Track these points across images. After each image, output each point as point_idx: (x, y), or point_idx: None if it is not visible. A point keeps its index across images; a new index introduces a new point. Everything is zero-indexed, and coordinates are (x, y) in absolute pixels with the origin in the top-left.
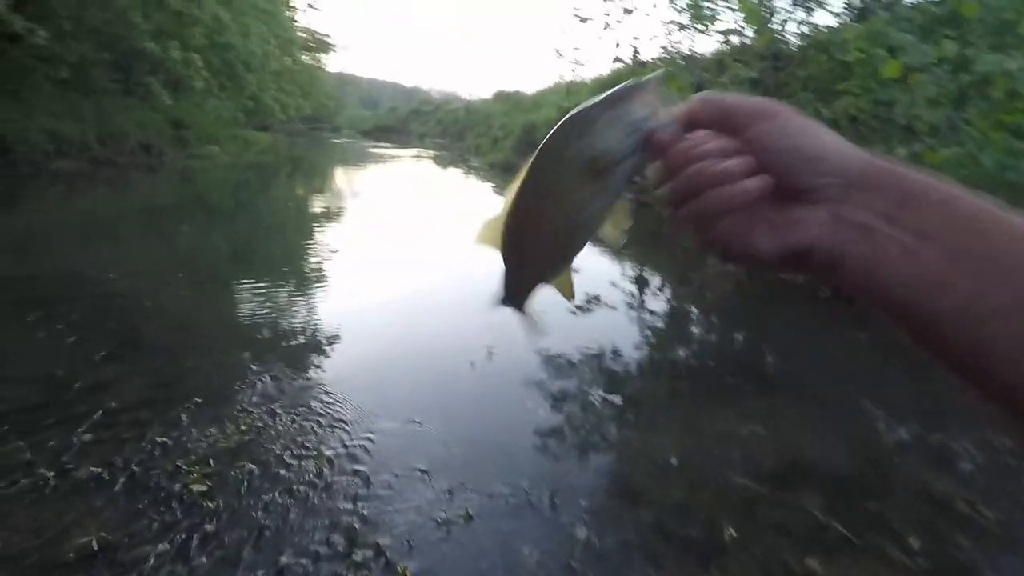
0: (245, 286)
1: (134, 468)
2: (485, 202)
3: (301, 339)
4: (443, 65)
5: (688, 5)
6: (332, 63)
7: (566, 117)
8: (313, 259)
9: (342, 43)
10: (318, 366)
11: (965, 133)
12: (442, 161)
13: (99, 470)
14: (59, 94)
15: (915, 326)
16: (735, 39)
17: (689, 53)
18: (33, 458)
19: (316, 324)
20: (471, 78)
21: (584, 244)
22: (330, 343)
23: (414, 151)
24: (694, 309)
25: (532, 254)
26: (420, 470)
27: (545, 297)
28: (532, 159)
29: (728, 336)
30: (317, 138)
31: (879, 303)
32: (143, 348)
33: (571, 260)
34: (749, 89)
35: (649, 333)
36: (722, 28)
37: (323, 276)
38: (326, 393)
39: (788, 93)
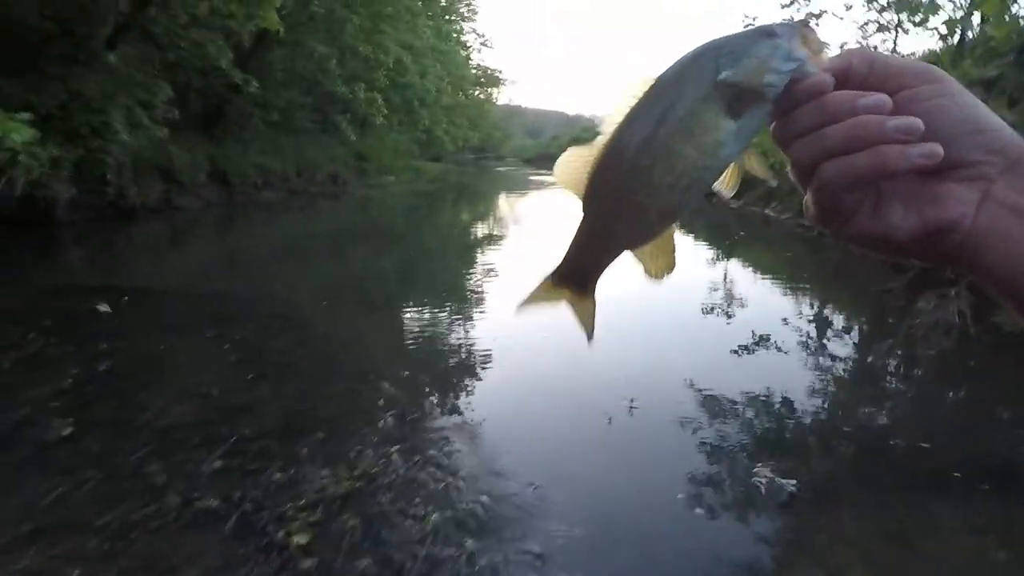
0: (401, 312)
1: (247, 506)
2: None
3: (437, 372)
4: (605, 90)
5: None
6: (500, 96)
7: (715, 42)
8: (468, 286)
9: (512, 77)
10: (447, 405)
11: None
12: None
13: (218, 504)
14: (269, 134)
15: None
16: (959, 34)
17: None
18: (166, 482)
19: (455, 357)
20: None
21: (702, 195)
22: (465, 381)
23: None
24: (897, 365)
25: (633, 201)
26: (533, 554)
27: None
28: (658, 80)
29: (947, 407)
30: (483, 166)
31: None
32: (291, 371)
33: (681, 215)
34: (983, 92)
35: (834, 390)
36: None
37: (471, 307)
38: (448, 439)
39: None
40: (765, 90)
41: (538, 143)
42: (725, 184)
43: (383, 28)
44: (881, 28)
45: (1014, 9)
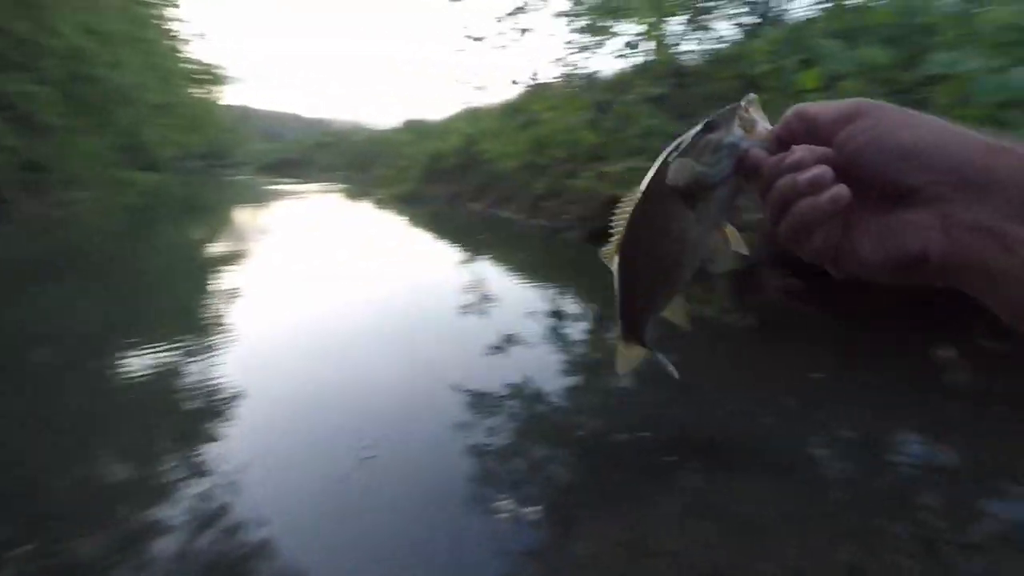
0: (115, 360)
1: None
2: (390, 238)
3: (169, 424)
4: (347, 95)
5: (586, 26)
6: (230, 96)
7: (669, 147)
8: (205, 316)
9: (239, 74)
10: (181, 462)
11: None
12: (347, 195)
13: None
14: None
15: None
16: (638, 58)
17: (589, 72)
18: None
19: (190, 402)
20: (376, 107)
21: (692, 269)
22: (205, 425)
23: (317, 186)
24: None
25: (642, 281)
26: None
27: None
28: (641, 187)
29: (673, 392)
30: (214, 175)
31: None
32: None
33: (680, 286)
34: (655, 107)
35: (583, 384)
36: (619, 44)
37: (210, 339)
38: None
39: (694, 112)
40: (703, 180)
41: (277, 147)
42: (717, 258)
43: (45, 2)
44: (583, 48)
45: (668, 40)
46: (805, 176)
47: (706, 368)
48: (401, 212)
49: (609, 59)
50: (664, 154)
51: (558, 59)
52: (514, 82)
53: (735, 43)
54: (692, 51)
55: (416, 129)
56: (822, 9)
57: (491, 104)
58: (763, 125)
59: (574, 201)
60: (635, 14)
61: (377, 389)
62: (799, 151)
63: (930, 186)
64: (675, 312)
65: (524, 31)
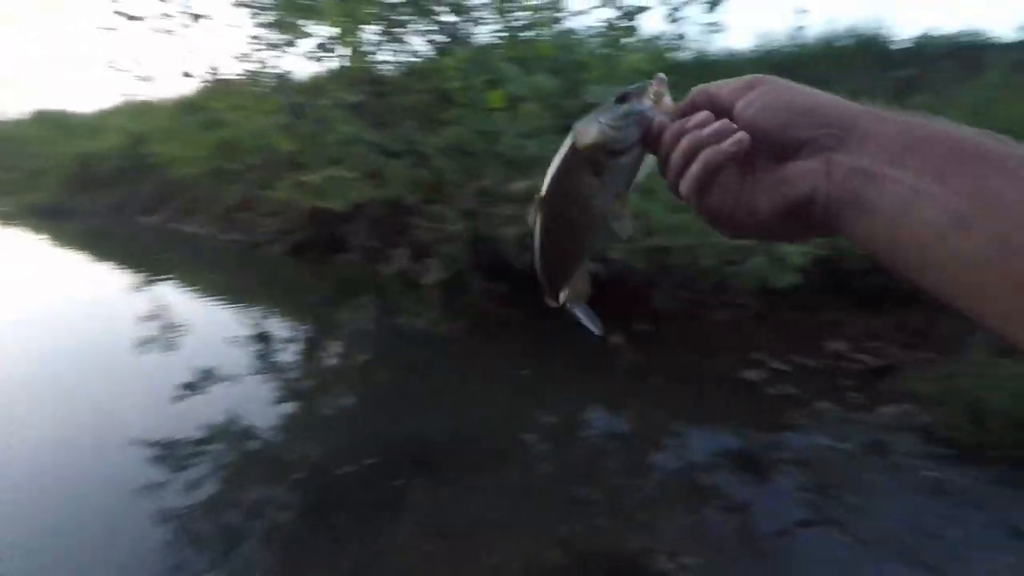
0: None
1: None
2: (35, 265)
3: None
4: None
5: (274, 22)
6: None
7: (583, 116)
8: None
9: None
10: None
11: None
12: None
13: None
14: None
15: (929, 273)
16: (333, 62)
17: (280, 72)
18: None
19: None
20: None
21: (596, 236)
22: None
23: None
24: (339, 369)
25: (555, 246)
26: None
27: None
28: (558, 155)
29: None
30: None
31: (888, 252)
32: None
33: (585, 254)
34: (351, 114)
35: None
36: (312, 45)
37: None
38: None
39: (391, 121)
40: (610, 146)
41: None
42: (617, 226)
43: None
44: (272, 46)
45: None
46: (709, 129)
47: (421, 381)
48: (42, 229)
49: (302, 60)
50: (575, 123)
51: (243, 54)
52: (187, 75)
53: (428, 59)
54: (388, 61)
55: (53, 122)
56: (501, 36)
57: (161, 99)
58: (669, 100)
59: (273, 212)
60: (326, 17)
61: (29, 462)
62: (701, 113)
63: (818, 138)
64: (579, 280)
65: (197, 17)
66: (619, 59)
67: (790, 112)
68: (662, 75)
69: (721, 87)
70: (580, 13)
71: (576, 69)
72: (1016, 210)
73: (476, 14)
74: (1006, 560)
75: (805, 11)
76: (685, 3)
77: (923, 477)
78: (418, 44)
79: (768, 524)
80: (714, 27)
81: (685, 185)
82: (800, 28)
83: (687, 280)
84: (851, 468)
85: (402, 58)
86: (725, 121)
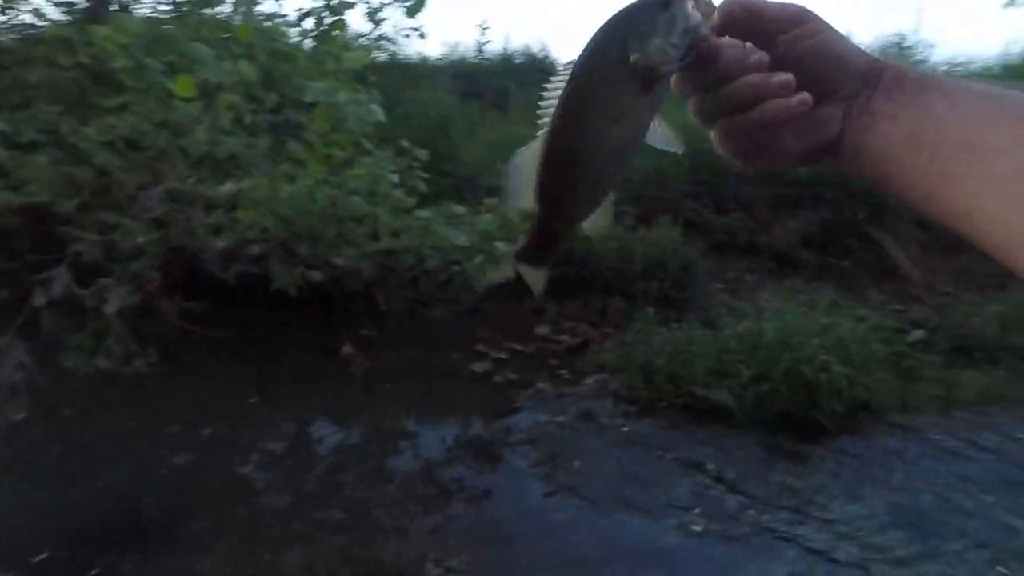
0: None
1: None
2: None
3: None
4: None
5: None
6: None
7: (617, 20)
8: None
9: None
10: None
11: (273, 164)
12: None
13: None
14: None
15: (949, 203)
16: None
17: None
18: None
19: None
20: None
21: (628, 162)
22: None
23: None
24: None
25: (580, 179)
26: None
27: None
28: (577, 67)
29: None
30: None
31: (907, 187)
32: None
33: (617, 182)
34: None
35: None
36: None
37: None
38: None
39: (20, 102)
40: (670, 64)
41: None
42: (663, 141)
43: None
44: None
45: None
46: (778, 79)
47: (108, 436)
48: None
49: None
50: (613, 28)
51: None
52: None
53: (62, 25)
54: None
55: None
56: (175, 10)
57: None
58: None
59: None
60: None
61: None
62: (760, 54)
63: (848, 86)
64: (604, 214)
65: None
66: (328, 55)
67: (834, 60)
68: None
69: (765, 8)
70: None
71: (277, 59)
72: (949, 127)
73: None
74: (685, 485)
75: (487, 27)
76: (387, 4)
77: (620, 433)
78: (41, 3)
79: (513, 505)
80: (417, 31)
81: (734, 125)
82: (485, 43)
83: (411, 281)
84: (571, 437)
85: (20, 20)
86: (789, 76)
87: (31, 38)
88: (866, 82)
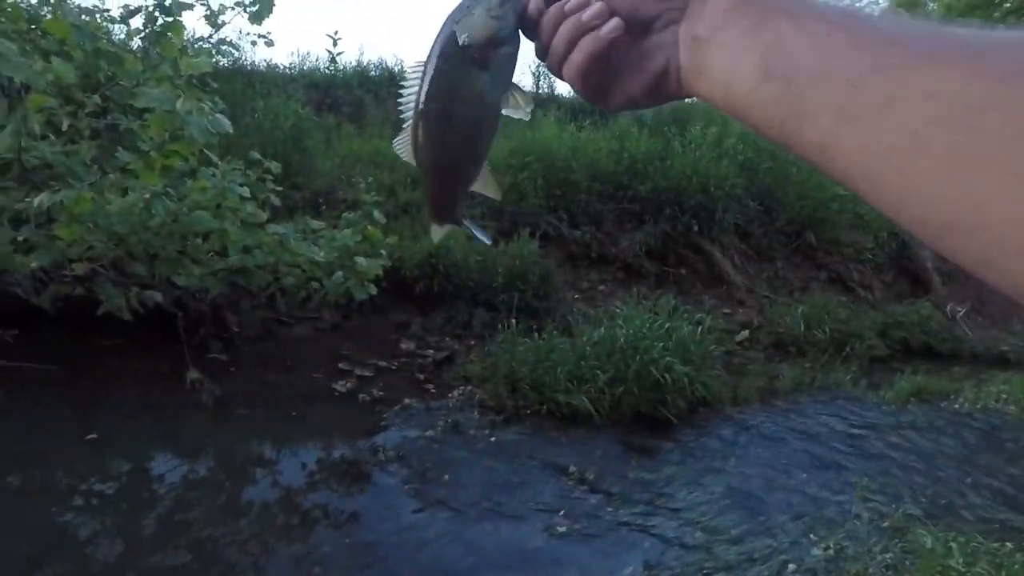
0: None
1: None
2: None
3: None
4: None
5: None
6: None
7: (449, 14)
8: None
9: None
10: None
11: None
12: None
13: None
14: None
15: (753, 117)
16: None
17: None
18: None
19: None
20: None
21: (494, 132)
22: None
23: None
24: None
25: (450, 157)
26: None
27: None
28: (426, 63)
29: None
30: None
31: (728, 107)
32: None
33: (486, 153)
34: None
35: None
36: None
37: None
38: None
39: None
40: (497, 36)
41: None
42: (515, 112)
43: None
44: None
45: None
46: (588, 12)
47: None
48: None
49: None
50: (444, 22)
51: None
52: None
53: None
54: None
55: None
56: None
57: None
58: None
59: None
60: None
61: None
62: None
63: (665, 13)
64: (486, 184)
65: None
66: (162, 58)
67: None
68: None
69: None
70: None
71: (98, 58)
72: (798, 54)
73: None
74: (551, 488)
75: (339, 38)
76: (229, 8)
77: (488, 442)
78: None
79: (384, 525)
80: (264, 38)
81: (570, 70)
82: (338, 53)
83: (268, 300)
84: (439, 451)
85: None
86: (601, 5)
87: None
88: (687, 4)
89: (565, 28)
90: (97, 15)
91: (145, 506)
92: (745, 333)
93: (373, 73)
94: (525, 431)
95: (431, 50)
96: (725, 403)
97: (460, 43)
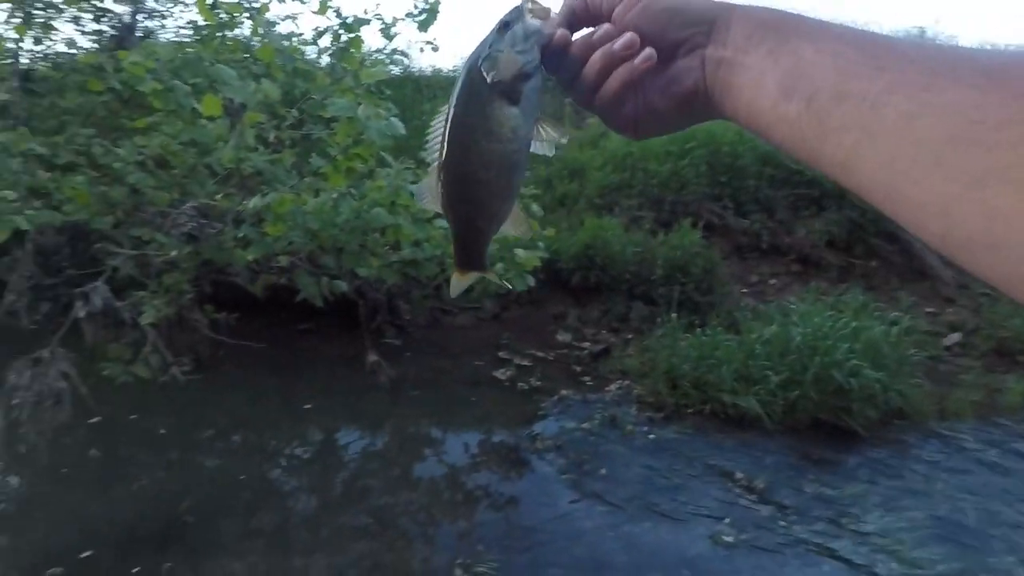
0: None
1: None
2: None
3: None
4: None
5: None
6: None
7: (473, 53)
8: None
9: None
10: None
11: (303, 180)
12: None
13: None
14: None
15: (775, 135)
16: None
17: None
18: None
19: None
20: None
21: (523, 171)
22: None
23: None
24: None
25: (482, 198)
26: None
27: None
28: (452, 102)
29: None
30: None
31: (754, 126)
32: None
33: (519, 190)
34: None
35: None
36: None
37: None
38: None
39: (57, 126)
40: (524, 69)
41: None
42: (546, 145)
43: None
44: None
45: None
46: (619, 43)
47: (147, 442)
48: None
49: None
50: (468, 60)
51: None
52: None
53: (93, 53)
54: (34, 51)
55: None
56: (197, 34)
57: None
58: (553, 14)
59: None
60: None
61: None
62: (603, 27)
63: (691, 37)
64: (516, 222)
65: None
66: (346, 71)
67: (665, 15)
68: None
69: None
70: (291, 17)
71: (296, 77)
72: (818, 75)
73: (152, 6)
74: (714, 493)
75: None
76: (400, 20)
77: (646, 440)
78: (74, 34)
79: (541, 512)
80: (430, 44)
81: (602, 100)
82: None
83: (434, 290)
84: (596, 444)
85: (53, 49)
86: (632, 35)
87: (64, 66)
88: (712, 29)
89: (596, 59)
90: (294, 39)
91: (333, 471)
92: (956, 336)
93: None
94: (686, 430)
95: (456, 91)
96: (928, 417)
97: (488, 81)
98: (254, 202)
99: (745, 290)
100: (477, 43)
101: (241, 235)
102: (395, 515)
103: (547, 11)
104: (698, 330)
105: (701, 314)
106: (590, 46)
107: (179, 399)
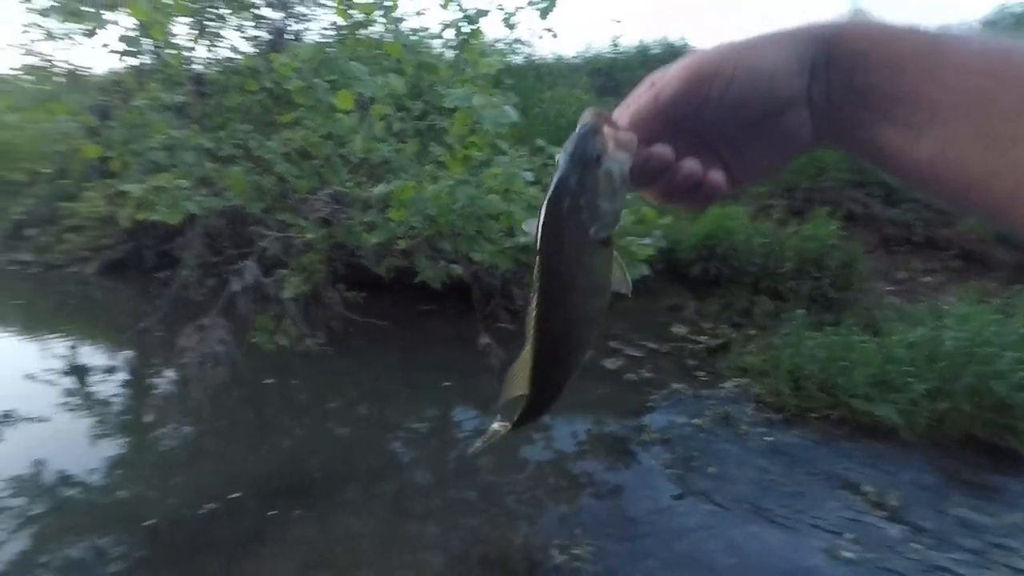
0: None
1: None
2: None
3: None
4: None
5: (53, 7)
6: None
7: (563, 191)
8: None
9: None
10: None
11: (421, 168)
12: None
13: None
14: None
15: (891, 167)
16: (139, 59)
17: (71, 68)
18: None
19: None
20: None
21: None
22: None
23: None
24: (178, 410)
25: (570, 344)
26: None
27: None
28: (546, 261)
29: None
30: None
31: (876, 161)
32: None
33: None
34: (174, 116)
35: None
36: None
37: None
38: None
39: (218, 124)
40: (618, 213)
41: None
42: (624, 278)
43: None
44: (50, 36)
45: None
46: (680, 176)
47: (285, 403)
48: None
49: (98, 53)
50: (556, 213)
51: (22, 45)
52: None
53: (251, 56)
54: (206, 58)
55: None
56: (335, 34)
57: None
58: (624, 130)
59: (80, 228)
60: (127, 4)
61: None
62: (659, 148)
63: (789, 91)
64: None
65: None
66: (467, 62)
67: (753, 85)
68: (597, 110)
69: (663, 101)
70: (420, 13)
71: (422, 70)
72: (949, 114)
73: (300, 10)
74: (836, 505)
75: (620, 21)
76: (520, 8)
77: (762, 442)
78: (237, 40)
79: (643, 504)
80: (551, 32)
81: (695, 205)
82: (618, 37)
83: None
84: (706, 441)
85: (221, 55)
86: (692, 167)
87: (229, 69)
88: (813, 74)
89: (661, 187)
90: (420, 33)
91: (446, 446)
92: None
93: (655, 51)
94: (809, 435)
95: (544, 244)
96: None
97: (591, 233)
98: (379, 189)
99: (890, 288)
100: (561, 168)
101: (368, 220)
102: (501, 494)
103: (632, 141)
104: (829, 329)
105: (835, 312)
106: (649, 172)
107: (313, 368)
